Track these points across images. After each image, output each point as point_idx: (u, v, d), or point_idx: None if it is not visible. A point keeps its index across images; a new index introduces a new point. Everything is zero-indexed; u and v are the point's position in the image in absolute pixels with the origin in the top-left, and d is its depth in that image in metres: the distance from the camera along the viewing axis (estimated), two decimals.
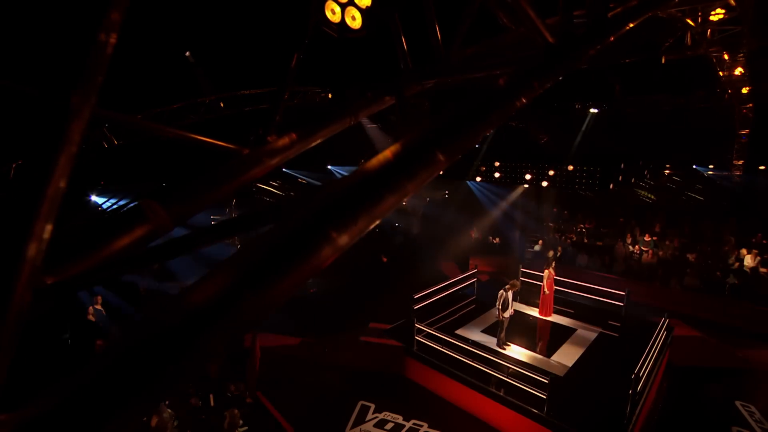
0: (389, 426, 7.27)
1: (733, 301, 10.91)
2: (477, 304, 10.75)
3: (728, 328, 10.31)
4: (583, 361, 7.95)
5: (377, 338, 8.94)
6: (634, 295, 10.31)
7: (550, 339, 8.92)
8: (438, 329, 8.75)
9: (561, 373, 7.49)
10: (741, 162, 12.27)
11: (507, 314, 8.16)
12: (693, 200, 14.33)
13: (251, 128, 2.57)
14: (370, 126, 13.74)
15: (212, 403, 6.66)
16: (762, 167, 12.62)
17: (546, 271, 9.65)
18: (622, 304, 9.82)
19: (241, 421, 6.33)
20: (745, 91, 7.95)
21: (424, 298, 9.71)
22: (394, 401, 7.89)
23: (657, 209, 14.77)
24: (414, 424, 7.28)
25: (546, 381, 6.23)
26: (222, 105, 9.36)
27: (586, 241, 14.86)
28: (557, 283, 10.24)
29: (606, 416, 6.44)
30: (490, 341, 8.62)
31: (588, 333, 9.05)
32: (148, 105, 9.71)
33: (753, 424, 7.13)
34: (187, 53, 7.95)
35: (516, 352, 8.24)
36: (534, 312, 10.13)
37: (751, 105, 9.51)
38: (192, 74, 8.04)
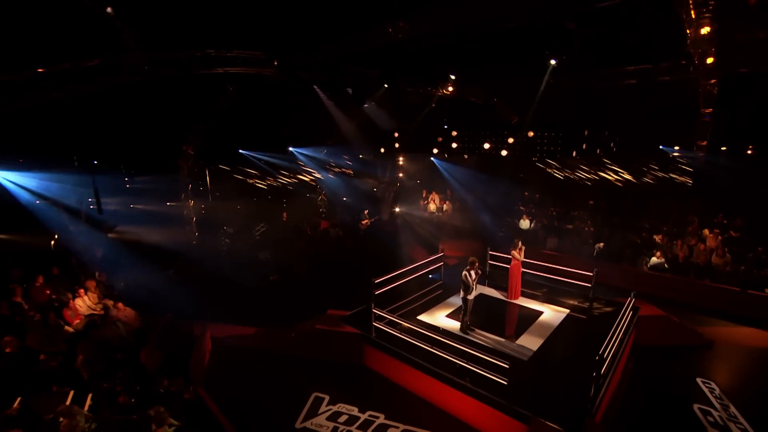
0: (343, 419, 6.71)
1: (696, 281, 10.85)
2: (443, 289, 10.28)
3: (691, 306, 10.25)
4: (549, 345, 7.60)
5: (334, 326, 8.33)
6: (603, 276, 10.09)
7: (516, 322, 8.54)
8: (400, 315, 8.24)
9: (526, 357, 7.10)
10: (704, 143, 12.19)
11: (471, 296, 7.68)
12: (660, 181, 14.27)
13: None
14: (328, 102, 12.89)
15: (134, 401, 5.89)
16: (724, 147, 12.59)
17: (513, 252, 9.24)
18: (590, 285, 9.55)
19: (171, 420, 5.62)
20: (710, 61, 7.63)
21: (386, 283, 9.14)
22: (350, 392, 7.35)
23: (625, 191, 14.71)
24: (370, 415, 6.75)
25: (507, 366, 5.78)
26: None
27: (556, 224, 14.65)
28: (525, 265, 9.88)
29: (570, 400, 6.08)
30: (454, 326, 8.16)
31: (555, 315, 8.73)
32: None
33: (713, 400, 6.97)
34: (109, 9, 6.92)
35: (480, 336, 7.81)
36: (501, 295, 9.75)
37: (714, 81, 9.27)
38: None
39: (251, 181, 16.41)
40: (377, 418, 6.69)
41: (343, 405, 7.02)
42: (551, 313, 8.82)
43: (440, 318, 8.63)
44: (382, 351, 7.71)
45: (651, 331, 8.65)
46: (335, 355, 8.27)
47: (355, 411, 6.86)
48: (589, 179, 15.33)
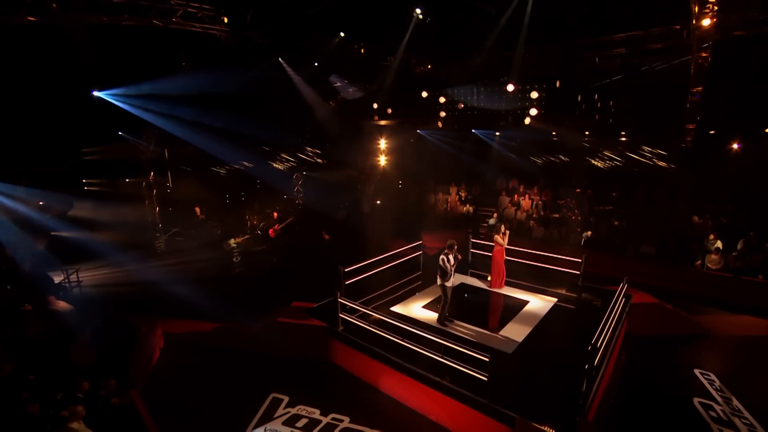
0: (302, 422, 5.82)
1: (687, 269, 10.28)
2: (423, 279, 9.45)
3: (683, 295, 9.64)
4: (535, 336, 6.84)
5: (298, 319, 7.42)
6: (592, 266, 9.41)
7: (500, 313, 7.78)
8: (372, 307, 7.37)
9: (510, 350, 6.31)
10: (693, 126, 11.62)
11: (449, 283, 6.87)
12: (647, 167, 13.71)
13: None
14: (296, 78, 11.87)
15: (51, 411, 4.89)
16: (713, 132, 12.04)
17: (495, 237, 8.46)
18: (578, 272, 8.84)
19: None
20: (706, 23, 6.93)
21: (358, 272, 8.29)
22: (314, 392, 6.46)
23: (612, 177, 14.11)
24: (333, 419, 5.86)
25: (487, 359, 4.96)
26: None
27: (543, 213, 14.00)
28: (510, 253, 9.13)
29: (560, 396, 5.30)
30: (431, 318, 7.34)
31: (542, 305, 7.99)
32: None
33: (714, 393, 6.31)
34: None
35: (460, 328, 7.00)
36: (483, 285, 8.97)
37: (707, 54, 8.64)
38: None
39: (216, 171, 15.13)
40: (341, 421, 5.81)
41: (303, 407, 6.12)
42: (538, 303, 8.07)
43: (416, 309, 7.81)
44: (349, 346, 6.83)
45: (644, 320, 7.99)
46: (299, 350, 7.36)
47: (316, 414, 5.97)
48: (576, 165, 14.69)
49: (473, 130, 17.02)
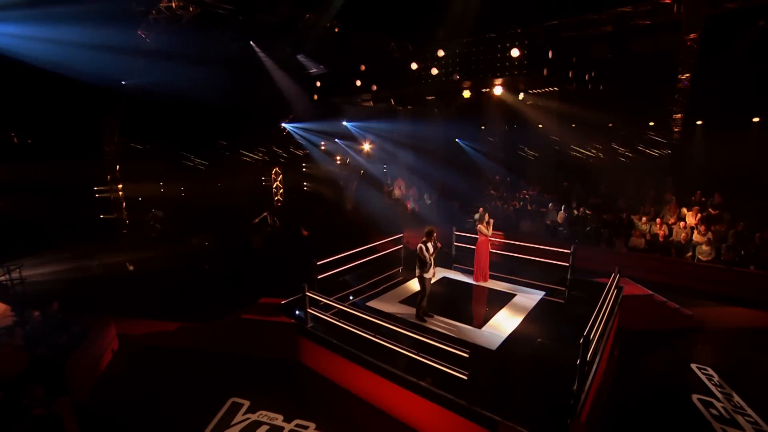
0: (262, 430, 5.13)
1: (678, 261, 9.86)
2: (404, 275, 8.83)
3: (675, 287, 9.18)
4: (521, 331, 6.25)
5: (264, 315, 6.71)
6: (581, 260, 8.91)
7: (483, 307, 7.17)
8: (349, 303, 6.72)
9: (493, 346, 5.71)
10: (680, 116, 11.29)
11: (428, 275, 6.25)
12: (636, 158, 13.36)
13: None
14: (275, 70, 11.12)
15: None
16: (699, 122, 11.74)
17: (479, 226, 7.88)
18: (567, 264, 8.32)
19: None
20: None
21: (333, 266, 7.64)
22: (278, 395, 5.78)
23: (600, 170, 13.74)
24: (297, 425, 5.18)
25: (466, 355, 4.34)
26: None
27: (529, 208, 13.54)
28: (496, 246, 8.59)
29: (549, 395, 4.71)
30: (410, 313, 6.71)
31: (528, 298, 7.42)
32: None
33: (714, 389, 5.80)
34: None
35: (440, 324, 6.38)
36: (467, 278, 8.38)
37: (696, 36, 8.25)
38: None
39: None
40: (305, 428, 5.13)
41: (265, 413, 5.42)
42: (524, 296, 7.51)
43: (393, 304, 7.17)
44: (318, 344, 6.15)
45: (636, 313, 7.48)
46: (265, 350, 6.67)
47: (278, 420, 5.28)
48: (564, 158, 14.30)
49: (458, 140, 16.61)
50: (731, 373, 6.20)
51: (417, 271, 6.26)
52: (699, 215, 10.84)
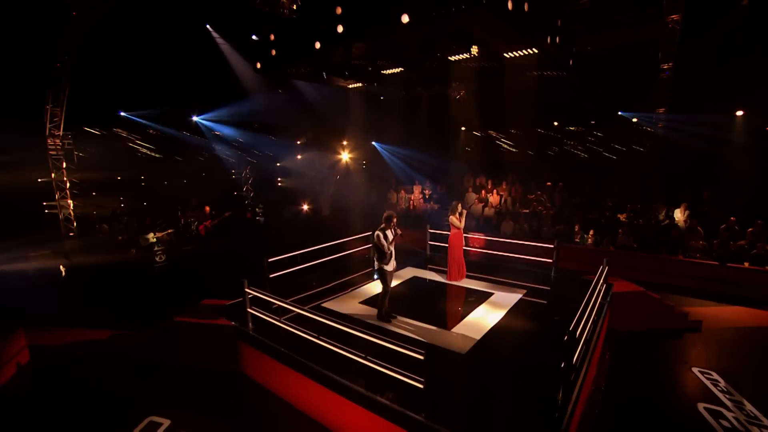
0: None
1: (669, 258, 9.10)
2: (371, 275, 7.86)
3: (665, 286, 8.39)
4: (498, 333, 5.31)
5: (202, 318, 5.67)
6: (566, 261, 8.10)
7: (455, 307, 6.24)
8: (310, 306, 5.70)
9: (463, 349, 4.76)
10: (663, 110, 10.75)
11: (389, 267, 5.32)
12: (621, 154, 12.73)
13: None
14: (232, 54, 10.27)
15: None
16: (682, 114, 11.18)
17: (451, 218, 7.00)
18: (551, 260, 7.49)
19: None
20: None
21: (288, 263, 6.67)
22: (208, 413, 4.73)
23: (586, 169, 13.10)
24: None
25: (421, 356, 3.38)
26: None
27: (512, 208, 12.77)
28: (474, 244, 7.73)
29: (530, 407, 3.76)
30: (370, 314, 5.73)
31: (507, 298, 6.50)
32: None
33: (721, 396, 4.92)
34: None
35: (404, 326, 5.41)
36: (440, 278, 7.45)
37: (678, 17, 7.74)
38: None
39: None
40: None
41: None
42: (503, 296, 6.59)
43: (354, 305, 6.18)
44: (261, 351, 5.13)
45: (628, 313, 6.63)
46: (202, 359, 5.61)
47: None
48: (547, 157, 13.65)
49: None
50: (738, 377, 5.33)
51: (375, 264, 5.33)
52: (687, 212, 10.19)
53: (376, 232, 5.21)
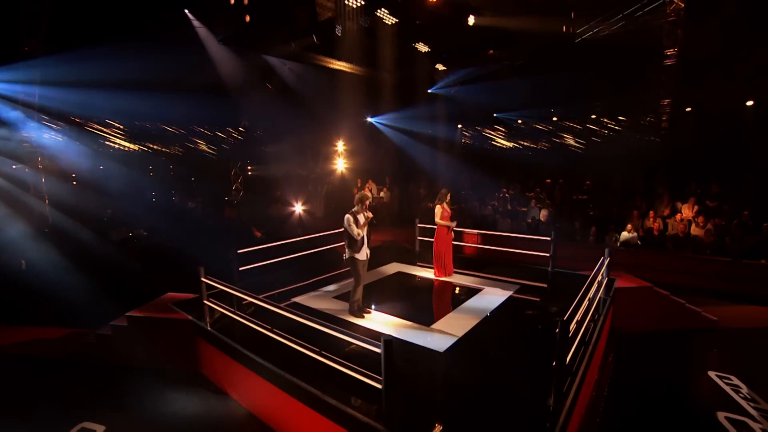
0: None
1: (678, 255, 8.37)
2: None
3: (674, 286, 7.63)
4: (482, 332, 4.63)
5: (158, 312, 5.06)
6: (567, 259, 7.40)
7: (438, 303, 5.58)
8: (271, 298, 5.09)
9: (441, 347, 4.10)
10: (667, 101, 10.11)
11: (360, 255, 4.69)
12: (625, 148, 12.04)
13: None
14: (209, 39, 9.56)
15: None
16: (689, 109, 10.55)
17: (438, 208, 6.36)
18: (548, 254, 6.83)
19: None
20: None
21: (259, 256, 6.09)
22: (149, 418, 4.11)
23: (586, 165, 12.42)
24: None
25: (378, 350, 2.74)
26: None
27: (509, 207, 12.12)
28: (466, 240, 7.09)
29: (517, 415, 3.09)
30: (342, 309, 5.10)
31: (497, 294, 5.81)
32: None
33: (744, 404, 4.19)
34: None
35: (378, 321, 4.77)
36: (428, 273, 6.78)
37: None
38: None
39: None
40: None
41: None
42: (493, 291, 5.91)
43: (326, 299, 5.55)
44: (217, 347, 4.51)
45: (634, 311, 5.92)
46: (158, 357, 4.99)
47: None
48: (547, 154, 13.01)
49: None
50: (762, 382, 4.60)
51: (346, 252, 4.70)
52: (696, 207, 9.48)
53: (346, 215, 4.60)
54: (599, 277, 5.00)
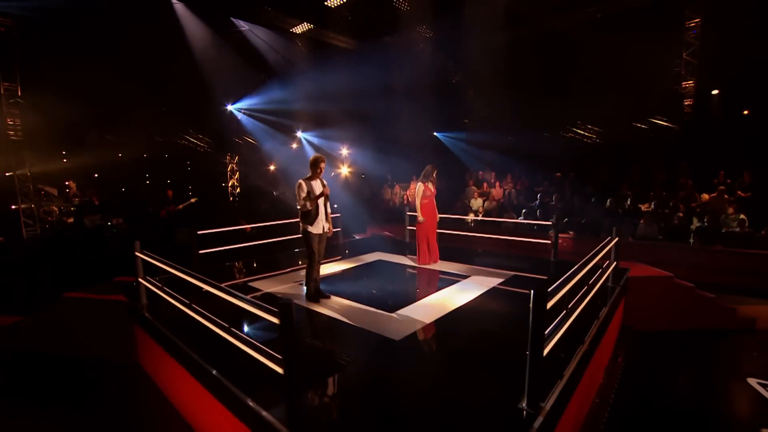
0: None
1: (704, 249, 7.22)
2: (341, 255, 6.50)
3: (702, 285, 6.52)
4: (454, 320, 3.76)
5: (96, 293, 4.47)
6: (576, 254, 6.44)
7: (412, 289, 4.74)
8: (235, 285, 4.45)
9: (397, 336, 3.28)
10: (691, 82, 9.02)
11: (314, 229, 3.96)
12: (640, 136, 10.88)
13: None
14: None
15: None
16: (715, 92, 9.37)
17: (419, 185, 5.56)
18: (549, 241, 5.92)
19: None
20: None
21: (223, 239, 5.48)
22: (65, 421, 3.44)
23: (601, 154, 11.32)
24: None
25: (276, 320, 1.99)
26: None
27: (516, 202, 11.16)
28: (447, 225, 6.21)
29: (472, 420, 2.25)
30: (301, 293, 4.36)
31: (484, 282, 4.90)
32: None
33: None
34: None
35: (336, 307, 3.99)
36: (411, 261, 5.96)
37: None
38: None
39: None
40: None
41: None
42: (480, 279, 5.01)
43: (287, 284, 4.81)
44: (148, 333, 3.85)
45: (651, 305, 4.92)
46: (93, 345, 4.39)
47: None
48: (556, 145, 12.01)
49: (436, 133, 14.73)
50: None
51: (300, 225, 3.98)
52: (726, 197, 8.30)
53: (299, 181, 3.89)
54: (602, 260, 4.10)
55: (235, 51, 10.84)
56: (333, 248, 7.07)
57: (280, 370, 2.04)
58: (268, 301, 3.87)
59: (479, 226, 9.30)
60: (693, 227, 7.84)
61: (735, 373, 3.96)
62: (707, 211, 7.99)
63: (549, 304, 2.33)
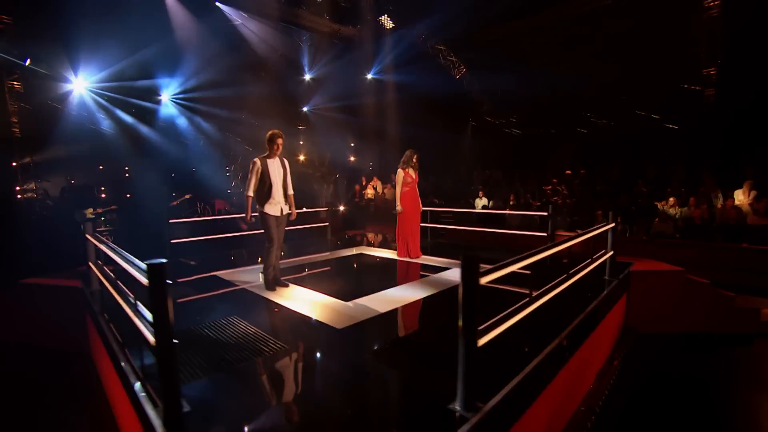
0: None
1: (727, 247, 6.42)
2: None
3: (722, 285, 5.73)
4: (413, 311, 3.30)
5: (52, 278, 4.28)
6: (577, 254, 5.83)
7: (378, 280, 4.25)
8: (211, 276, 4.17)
9: (339, 324, 2.85)
10: (713, 70, 8.23)
11: (272, 211, 3.62)
12: (654, 133, 10.05)
13: None
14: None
15: None
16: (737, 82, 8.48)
17: (399, 173, 5.11)
18: (545, 234, 5.37)
19: None
20: None
21: (200, 229, 5.25)
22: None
23: (613, 148, 10.51)
24: None
25: (144, 280, 1.63)
26: None
27: (522, 201, 10.53)
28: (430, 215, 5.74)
29: (393, 424, 1.81)
30: (261, 283, 4.01)
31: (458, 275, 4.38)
32: None
33: None
34: None
35: (291, 295, 3.61)
36: (392, 254, 5.47)
37: None
38: None
39: None
40: None
41: None
42: (458, 272, 4.48)
43: (252, 274, 4.46)
44: (95, 325, 3.59)
45: (659, 304, 4.29)
46: (48, 333, 4.18)
47: None
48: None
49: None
50: None
51: (257, 206, 3.65)
52: (754, 192, 7.43)
53: (254, 159, 3.57)
54: (593, 248, 3.56)
55: None
56: (322, 243, 6.73)
57: (152, 339, 1.67)
58: (239, 293, 3.59)
59: (480, 222, 8.77)
60: (715, 224, 7.04)
61: (758, 382, 3.30)
62: (730, 207, 7.16)
63: (489, 279, 1.89)
